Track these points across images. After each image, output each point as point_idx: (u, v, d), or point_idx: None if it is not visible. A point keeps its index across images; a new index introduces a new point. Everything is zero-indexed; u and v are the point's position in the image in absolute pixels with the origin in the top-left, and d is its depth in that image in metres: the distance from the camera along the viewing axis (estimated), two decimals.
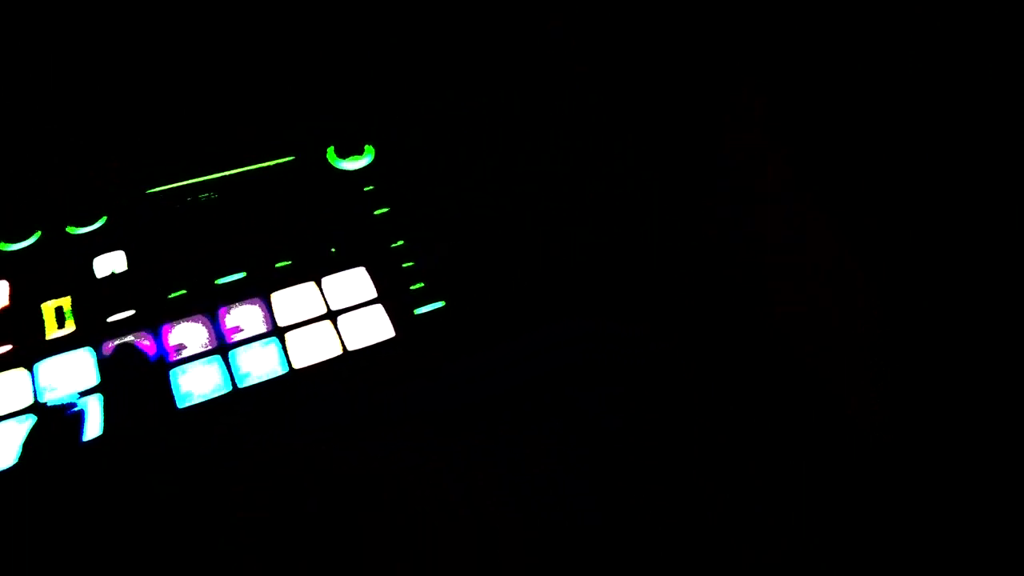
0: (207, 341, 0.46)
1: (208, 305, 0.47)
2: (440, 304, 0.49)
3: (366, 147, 0.56)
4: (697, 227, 0.53)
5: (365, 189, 0.54)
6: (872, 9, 0.56)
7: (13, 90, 0.52)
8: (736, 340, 0.47)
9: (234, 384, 0.44)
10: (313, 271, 0.50)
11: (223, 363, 0.45)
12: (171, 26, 0.55)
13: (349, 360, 0.46)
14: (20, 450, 0.40)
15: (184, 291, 0.48)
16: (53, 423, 0.41)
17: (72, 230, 0.49)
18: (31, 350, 0.44)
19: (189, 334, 0.46)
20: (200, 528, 0.38)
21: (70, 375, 0.43)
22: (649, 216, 0.54)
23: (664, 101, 0.60)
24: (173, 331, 0.46)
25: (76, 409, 0.42)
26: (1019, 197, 0.50)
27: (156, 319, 0.46)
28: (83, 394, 0.43)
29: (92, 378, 0.43)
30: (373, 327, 0.48)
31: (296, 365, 0.46)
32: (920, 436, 0.42)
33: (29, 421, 0.41)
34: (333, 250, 0.51)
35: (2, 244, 0.48)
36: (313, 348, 0.46)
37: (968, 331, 0.46)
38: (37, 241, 0.48)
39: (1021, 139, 0.52)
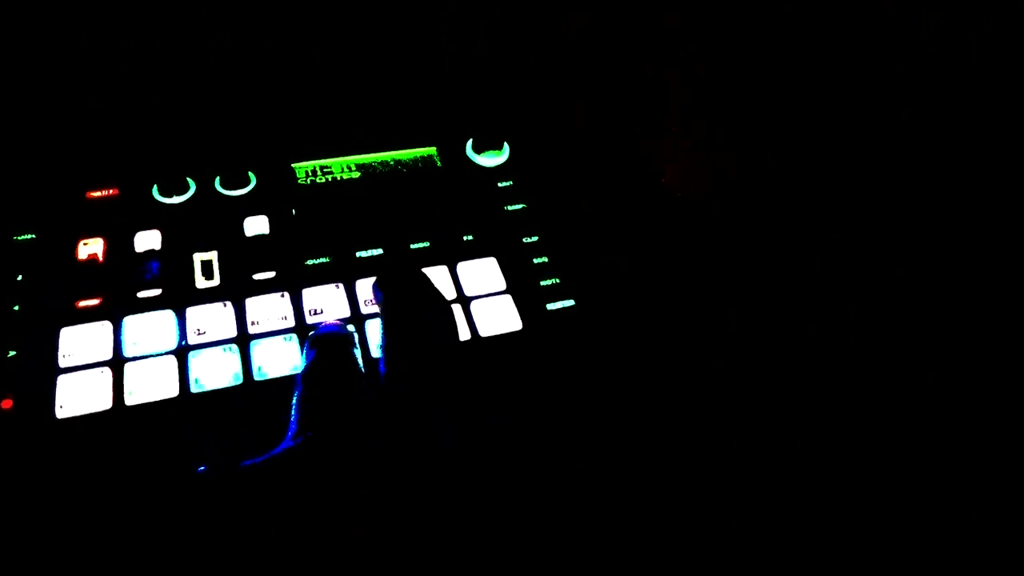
0: (343, 308, 0.49)
1: (347, 275, 0.50)
2: (570, 303, 0.51)
3: (504, 144, 0.59)
4: (694, 226, 0.55)
5: (500, 184, 0.57)
6: (871, 9, 0.58)
7: (177, 63, 0.57)
8: (733, 338, 0.48)
9: (366, 354, 0.47)
10: (448, 256, 0.52)
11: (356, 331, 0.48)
12: (332, 16, 0.59)
13: (479, 345, 0.48)
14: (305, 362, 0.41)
15: (325, 259, 0.50)
16: (332, 346, 0.41)
17: (223, 191, 0.53)
18: (180, 296, 0.47)
19: (327, 299, 0.49)
20: None
21: (214, 324, 0.47)
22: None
23: (663, 100, 0.62)
24: (311, 295, 0.49)
25: (348, 332, 0.43)
26: (1018, 195, 0.50)
27: (296, 283, 0.49)
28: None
29: (232, 330, 0.46)
30: (502, 317, 0.50)
31: None
32: (920, 435, 0.43)
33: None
34: (468, 238, 0.53)
35: (160, 197, 0.52)
36: None
37: (969, 330, 0.47)
38: (191, 198, 0.52)
39: (1019, 138, 0.52)
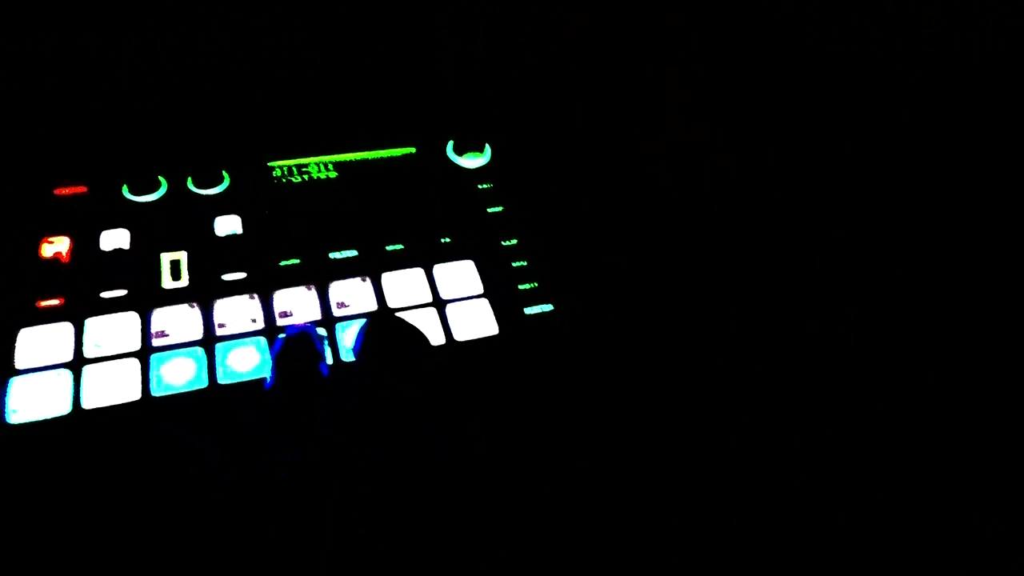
0: (314, 310, 0.47)
1: (319, 277, 0.48)
2: (548, 307, 0.49)
3: (485, 146, 0.57)
4: (694, 226, 0.54)
5: (480, 186, 0.55)
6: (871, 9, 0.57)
7: (151, 59, 0.56)
8: (733, 338, 0.47)
9: (336, 358, 0.45)
10: (424, 258, 0.51)
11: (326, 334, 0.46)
12: (316, 16, 0.59)
13: (454, 350, 0.47)
14: (273, 367, 0.41)
15: (297, 260, 0.49)
16: (300, 346, 0.41)
17: (195, 190, 0.52)
18: (146, 297, 0.46)
19: (297, 301, 0.47)
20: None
21: (179, 326, 0.45)
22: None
23: (663, 100, 0.62)
24: (281, 297, 0.47)
25: (318, 334, 0.43)
26: (1018, 195, 0.49)
27: (267, 284, 0.48)
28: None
29: (199, 332, 0.45)
30: (478, 321, 0.48)
31: None
32: (920, 435, 0.42)
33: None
34: (445, 240, 0.52)
35: (130, 195, 0.51)
36: None
37: (968, 330, 0.47)
38: (162, 197, 0.51)
39: (1019, 138, 0.51)
